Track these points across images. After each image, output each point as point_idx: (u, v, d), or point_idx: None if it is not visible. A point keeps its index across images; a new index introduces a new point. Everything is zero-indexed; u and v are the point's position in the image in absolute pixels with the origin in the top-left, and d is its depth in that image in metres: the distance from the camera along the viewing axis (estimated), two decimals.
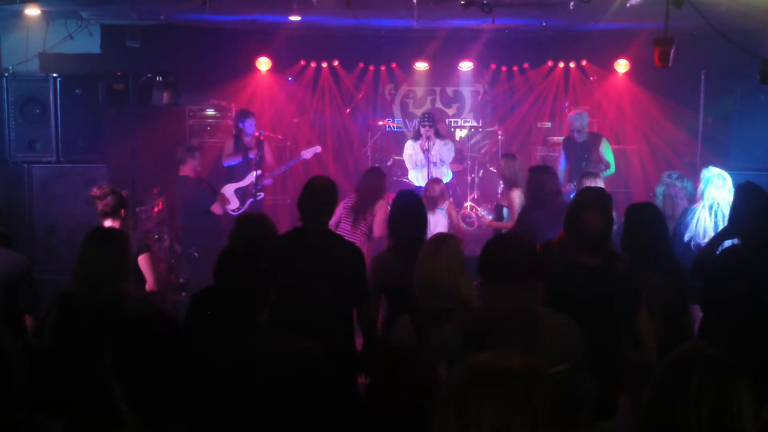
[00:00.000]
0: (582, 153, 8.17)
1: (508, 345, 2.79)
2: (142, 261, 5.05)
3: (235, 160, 8.45)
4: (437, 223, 6.80)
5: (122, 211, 5.19)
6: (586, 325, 3.33)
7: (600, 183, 6.22)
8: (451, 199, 7.63)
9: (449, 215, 7.13)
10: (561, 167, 8.36)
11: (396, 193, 4.93)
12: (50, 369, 3.69)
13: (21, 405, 3.48)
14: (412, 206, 4.59)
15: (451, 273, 3.44)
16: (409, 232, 4.42)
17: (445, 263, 3.44)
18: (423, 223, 4.59)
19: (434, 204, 6.93)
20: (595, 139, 8.24)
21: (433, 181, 7.40)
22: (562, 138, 9.14)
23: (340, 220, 6.61)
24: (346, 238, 6.37)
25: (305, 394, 2.62)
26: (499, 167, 7.53)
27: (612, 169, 8.15)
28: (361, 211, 6.56)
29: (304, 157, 8.76)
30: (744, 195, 4.47)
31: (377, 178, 6.76)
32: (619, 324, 3.45)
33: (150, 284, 5.12)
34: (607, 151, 8.18)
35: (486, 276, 3.02)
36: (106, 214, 5.11)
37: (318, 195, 4.25)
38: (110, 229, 4.11)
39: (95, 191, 5.23)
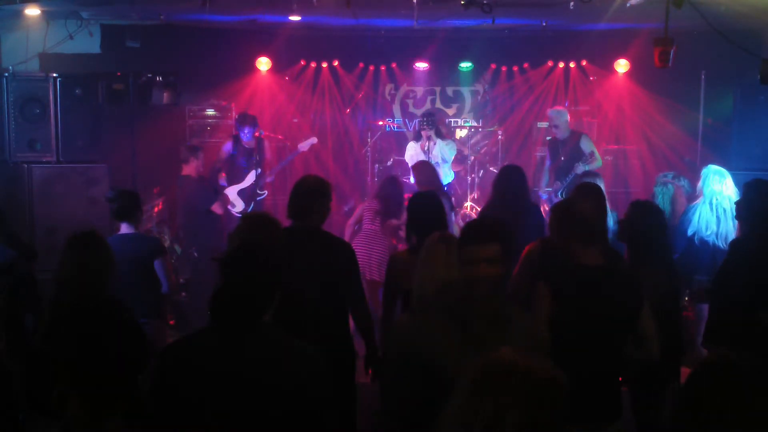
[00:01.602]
0: (563, 151, 8.23)
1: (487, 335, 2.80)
2: (158, 266, 5.02)
3: (232, 151, 8.44)
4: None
5: (137, 213, 5.14)
6: (592, 324, 3.33)
7: (600, 183, 6.22)
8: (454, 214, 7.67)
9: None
10: (546, 166, 8.49)
11: (412, 194, 4.90)
12: (47, 370, 3.69)
13: (20, 406, 3.49)
14: (431, 206, 4.54)
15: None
16: (429, 232, 4.36)
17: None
18: (444, 223, 4.54)
19: None
20: (574, 137, 8.30)
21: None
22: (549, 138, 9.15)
23: (361, 221, 6.77)
24: (378, 238, 6.62)
25: (305, 396, 2.61)
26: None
27: (599, 161, 8.16)
28: (388, 214, 6.72)
29: (302, 149, 8.80)
30: (754, 190, 4.52)
31: (398, 187, 6.96)
32: (624, 323, 3.44)
33: (164, 288, 5.11)
34: (587, 145, 8.21)
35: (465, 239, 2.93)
36: (119, 217, 5.06)
37: (307, 194, 4.22)
38: (88, 233, 4.07)
39: (109, 195, 5.20)
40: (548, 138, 9.19)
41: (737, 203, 4.74)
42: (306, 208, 4.20)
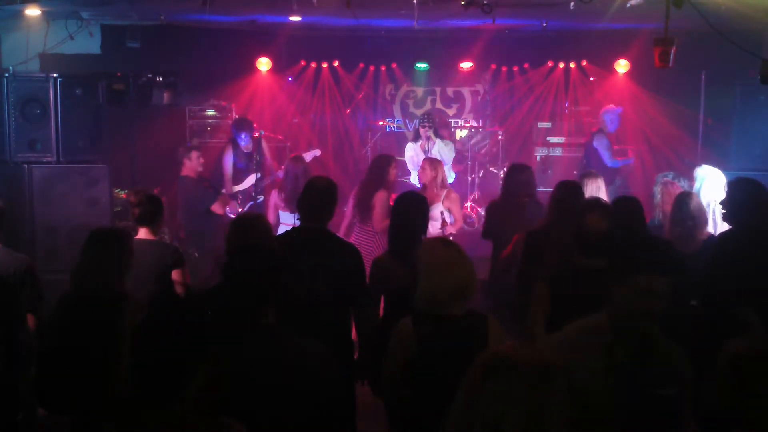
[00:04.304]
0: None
1: None
2: (176, 275, 4.96)
3: (237, 162, 8.37)
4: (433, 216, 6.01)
5: (159, 219, 5.04)
6: None
7: (600, 183, 6.22)
8: (452, 194, 7.09)
9: (449, 211, 6.62)
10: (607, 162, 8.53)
11: (398, 195, 4.86)
12: (55, 368, 3.70)
13: (20, 406, 3.48)
14: (412, 209, 4.51)
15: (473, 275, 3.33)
16: (409, 235, 4.33)
17: (471, 265, 3.32)
18: (424, 225, 4.54)
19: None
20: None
21: (429, 161, 6.94)
22: (594, 131, 8.99)
23: (352, 216, 6.49)
24: (360, 233, 6.35)
25: (304, 396, 2.62)
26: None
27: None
28: (365, 205, 6.38)
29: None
30: (737, 188, 4.51)
31: (378, 167, 6.56)
32: None
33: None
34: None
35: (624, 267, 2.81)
36: (142, 222, 4.95)
37: (317, 195, 4.24)
38: (111, 229, 4.07)
39: (132, 198, 5.11)
40: (553, 138, 9.18)
41: (722, 202, 4.70)
42: (318, 209, 4.21)
